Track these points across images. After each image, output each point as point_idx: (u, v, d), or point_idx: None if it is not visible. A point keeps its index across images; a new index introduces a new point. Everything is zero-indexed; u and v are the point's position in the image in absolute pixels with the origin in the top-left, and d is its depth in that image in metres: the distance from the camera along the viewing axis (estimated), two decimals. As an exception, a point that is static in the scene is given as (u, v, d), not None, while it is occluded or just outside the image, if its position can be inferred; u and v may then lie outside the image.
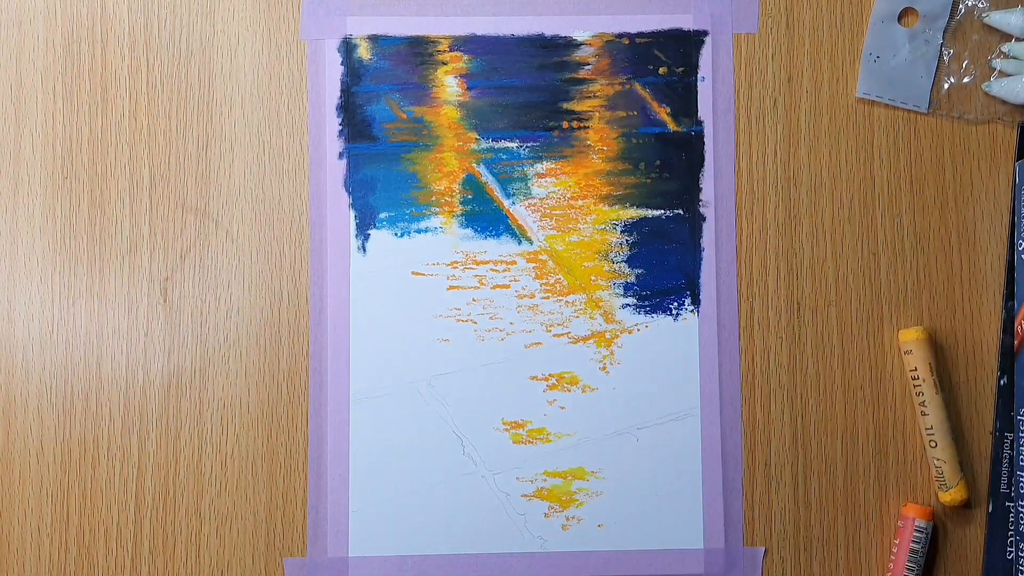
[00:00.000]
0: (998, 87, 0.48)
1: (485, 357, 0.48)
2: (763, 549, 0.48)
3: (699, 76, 0.50)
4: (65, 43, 0.49)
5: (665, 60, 0.50)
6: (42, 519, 0.48)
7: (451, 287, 0.49)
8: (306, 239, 0.49)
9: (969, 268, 0.49)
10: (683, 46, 0.50)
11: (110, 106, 0.49)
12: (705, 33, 0.50)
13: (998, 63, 0.48)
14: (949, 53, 0.48)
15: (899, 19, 0.48)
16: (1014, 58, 0.48)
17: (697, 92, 0.50)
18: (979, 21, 0.49)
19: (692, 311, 0.49)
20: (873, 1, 0.49)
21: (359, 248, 0.49)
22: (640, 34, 0.50)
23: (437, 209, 0.49)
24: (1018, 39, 0.48)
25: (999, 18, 0.48)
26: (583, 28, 0.50)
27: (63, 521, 0.48)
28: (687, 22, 0.50)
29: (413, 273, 0.49)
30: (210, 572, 0.47)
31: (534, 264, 0.49)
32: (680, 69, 0.50)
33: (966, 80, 0.49)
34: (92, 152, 0.49)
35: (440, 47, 0.50)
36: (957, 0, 0.49)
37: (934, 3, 0.48)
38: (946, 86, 0.49)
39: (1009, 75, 0.48)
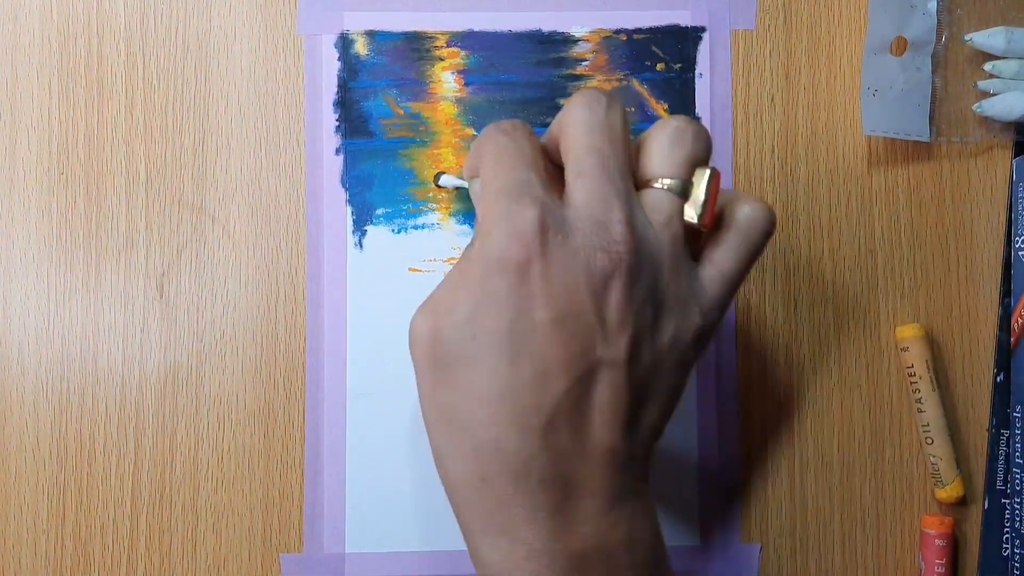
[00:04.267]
0: (988, 107, 0.48)
1: (482, 353, 0.48)
2: (759, 546, 0.48)
3: (696, 72, 0.50)
4: (60, 38, 0.49)
5: (663, 56, 0.50)
6: (38, 515, 0.48)
7: (448, 283, 0.49)
8: (303, 235, 0.49)
9: (966, 265, 0.49)
10: (680, 42, 0.50)
11: (106, 102, 0.49)
12: (703, 29, 0.50)
13: (985, 84, 0.48)
14: (940, 79, 0.48)
15: (891, 48, 0.48)
16: (999, 77, 0.48)
17: (694, 88, 0.50)
18: (963, 43, 0.49)
19: (689, 308, 0.49)
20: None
21: (356, 244, 0.49)
22: (638, 30, 0.50)
23: (434, 205, 0.49)
24: (1001, 57, 0.48)
25: (981, 39, 0.48)
26: (581, 24, 0.50)
27: (59, 517, 0.48)
28: (685, 18, 0.50)
29: (410, 269, 0.49)
30: (206, 568, 0.47)
31: (531, 260, 0.49)
32: (678, 65, 0.50)
33: (959, 104, 0.49)
34: (88, 148, 0.49)
35: (437, 43, 0.50)
36: (941, 24, 0.48)
37: (920, 29, 0.48)
38: (942, 112, 0.49)
39: (997, 94, 0.48)
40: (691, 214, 0.37)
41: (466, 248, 0.37)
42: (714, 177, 0.37)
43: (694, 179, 0.37)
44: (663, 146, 0.37)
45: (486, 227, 0.35)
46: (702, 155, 0.38)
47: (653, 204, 0.37)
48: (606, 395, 0.35)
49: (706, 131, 0.38)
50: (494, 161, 0.37)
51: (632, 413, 0.36)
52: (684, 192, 0.37)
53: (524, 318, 0.34)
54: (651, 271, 0.36)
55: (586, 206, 0.35)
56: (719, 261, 0.38)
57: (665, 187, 0.37)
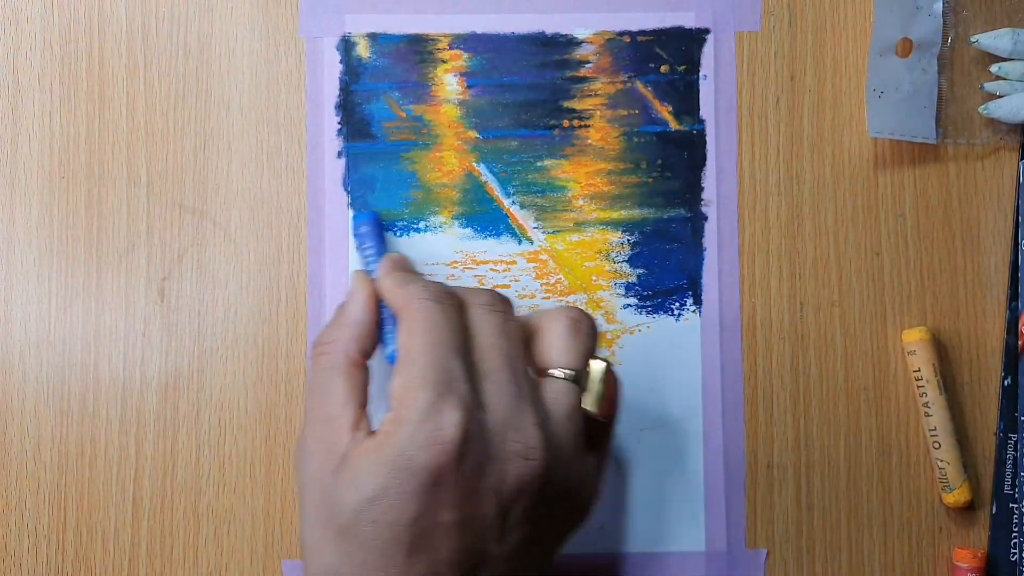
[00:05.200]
0: (995, 109, 0.48)
1: (485, 358, 0.48)
2: (765, 551, 0.48)
3: (701, 74, 0.49)
4: (62, 42, 0.49)
5: (667, 58, 0.49)
6: (39, 520, 0.47)
7: (451, 287, 0.48)
8: (304, 239, 0.49)
9: (973, 268, 0.49)
10: (685, 44, 0.49)
11: (107, 105, 0.49)
12: (707, 31, 0.49)
13: (991, 85, 0.48)
14: (946, 80, 0.48)
15: (896, 50, 0.48)
16: (1005, 79, 0.48)
17: (699, 90, 0.49)
18: (969, 45, 0.48)
19: (694, 311, 0.49)
20: (876, -1, 0.49)
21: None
22: (641, 32, 0.49)
23: (437, 208, 0.49)
24: (1008, 59, 0.48)
25: (987, 40, 0.48)
26: (584, 26, 0.49)
27: (60, 523, 0.47)
28: (689, 20, 0.49)
29: (412, 273, 0.48)
30: (208, 574, 0.47)
31: (535, 264, 0.49)
32: (682, 67, 0.49)
33: (965, 106, 0.48)
34: (89, 151, 0.49)
35: (440, 45, 0.49)
36: (947, 25, 0.48)
37: (926, 30, 0.48)
38: (948, 114, 0.48)
39: (1003, 96, 0.48)
40: (590, 403, 0.39)
41: (386, 419, 0.37)
42: (608, 369, 0.40)
43: (590, 370, 0.39)
44: (562, 337, 0.39)
45: (407, 414, 0.36)
46: (594, 348, 0.40)
47: (555, 396, 0.38)
48: None
49: (596, 326, 0.41)
50: (423, 337, 0.37)
51: None
52: (580, 381, 0.39)
53: (428, 517, 0.35)
54: (559, 472, 0.37)
55: (500, 408, 0.36)
56: (601, 445, 0.41)
57: (564, 376, 0.39)
